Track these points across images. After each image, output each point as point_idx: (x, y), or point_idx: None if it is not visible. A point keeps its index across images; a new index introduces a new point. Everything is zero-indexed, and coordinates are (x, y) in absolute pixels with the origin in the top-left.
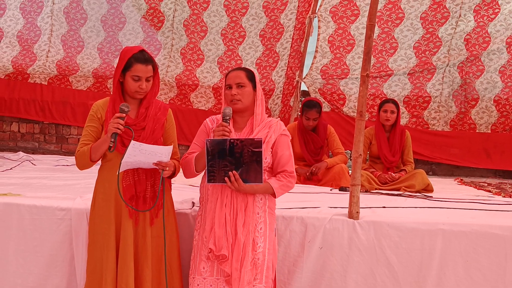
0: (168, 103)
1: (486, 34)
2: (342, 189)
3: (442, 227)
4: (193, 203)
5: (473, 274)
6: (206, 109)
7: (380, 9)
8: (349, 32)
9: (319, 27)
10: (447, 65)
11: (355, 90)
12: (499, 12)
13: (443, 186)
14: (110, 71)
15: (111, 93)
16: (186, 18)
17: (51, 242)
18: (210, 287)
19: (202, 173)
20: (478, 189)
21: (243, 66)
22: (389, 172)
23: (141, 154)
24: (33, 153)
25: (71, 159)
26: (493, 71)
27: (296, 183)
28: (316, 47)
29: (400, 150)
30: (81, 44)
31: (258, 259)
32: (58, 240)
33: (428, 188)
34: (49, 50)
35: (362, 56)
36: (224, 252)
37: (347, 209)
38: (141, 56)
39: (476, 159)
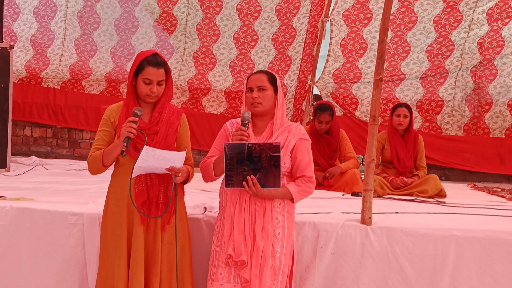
0: (180, 107)
1: (500, 38)
2: (355, 194)
3: (456, 233)
4: (205, 208)
5: (487, 281)
6: (218, 114)
7: (393, 13)
8: (362, 36)
9: (331, 31)
10: (459, 69)
11: (368, 94)
12: None
13: (456, 191)
14: (122, 75)
15: (124, 98)
16: (199, 22)
17: (63, 247)
18: None
19: (222, 177)
20: (492, 194)
21: (255, 70)
22: (401, 177)
23: (154, 160)
24: (45, 158)
25: (84, 164)
26: (506, 75)
27: None
28: (329, 51)
29: (413, 154)
30: (94, 48)
31: (276, 264)
32: (71, 245)
33: (441, 194)
34: (62, 54)
35: (374, 60)
36: (243, 258)
37: (360, 214)
38: (153, 59)
39: (489, 165)
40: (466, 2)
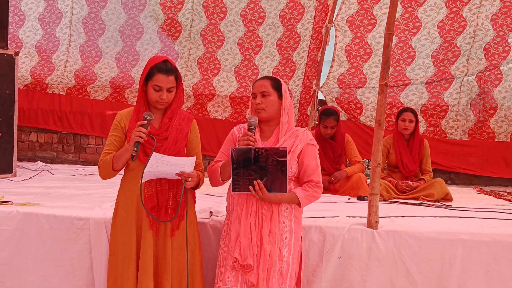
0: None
1: (506, 43)
2: (360, 198)
3: (463, 237)
4: (211, 212)
5: (494, 284)
6: (223, 119)
7: (397, 18)
8: (366, 41)
9: (336, 36)
10: (465, 75)
11: (372, 99)
12: None
13: (462, 195)
14: (127, 80)
15: (128, 103)
16: (203, 28)
17: (69, 251)
18: None
19: (229, 182)
20: (498, 198)
21: (260, 75)
22: (406, 181)
23: (163, 165)
24: (51, 163)
25: (89, 169)
26: None
27: None
28: (333, 56)
29: (419, 159)
30: (99, 54)
31: (283, 268)
32: (77, 249)
33: (447, 197)
34: (67, 60)
35: (379, 65)
36: (250, 262)
37: (366, 218)
38: (163, 66)
39: (495, 168)
40: (469, 8)
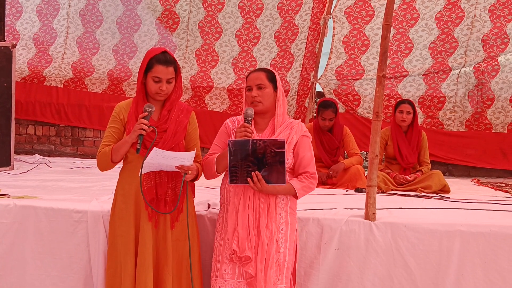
0: None
1: (505, 35)
2: (358, 190)
3: (460, 228)
4: (209, 205)
5: (492, 276)
6: (221, 111)
7: (394, 10)
8: (364, 33)
9: (333, 28)
10: (463, 66)
11: (370, 91)
12: None
13: (460, 186)
14: (125, 72)
15: (126, 96)
16: (201, 20)
17: (67, 244)
18: None
19: (223, 175)
20: (496, 189)
21: (258, 67)
22: (404, 176)
23: (163, 159)
24: (49, 156)
25: (87, 162)
26: (509, 71)
27: None
28: (331, 48)
29: (417, 150)
30: (97, 46)
31: (280, 259)
32: (75, 242)
33: (445, 189)
34: (64, 52)
35: (376, 57)
36: (248, 254)
37: (364, 210)
38: (162, 57)
39: (492, 160)
40: None
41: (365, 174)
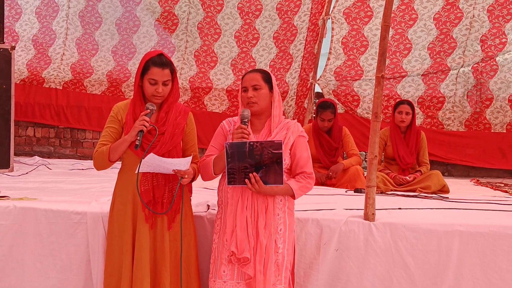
0: None
1: (503, 35)
2: (357, 190)
3: (459, 228)
4: (208, 206)
5: (491, 276)
6: (220, 112)
7: (393, 10)
8: (363, 33)
9: (332, 29)
10: (461, 66)
11: (369, 92)
12: None
13: (459, 187)
14: (124, 73)
15: (125, 97)
16: (200, 21)
17: (67, 245)
18: None
19: (220, 176)
20: (495, 189)
21: (256, 68)
22: (403, 177)
23: (160, 162)
24: (48, 158)
25: (86, 163)
26: (507, 71)
27: None
28: (330, 48)
29: (415, 151)
30: (96, 47)
31: (279, 260)
32: (74, 244)
33: (444, 189)
34: (63, 53)
35: (375, 58)
36: (246, 255)
37: (363, 210)
38: (158, 60)
39: (491, 159)
40: None
41: (364, 175)
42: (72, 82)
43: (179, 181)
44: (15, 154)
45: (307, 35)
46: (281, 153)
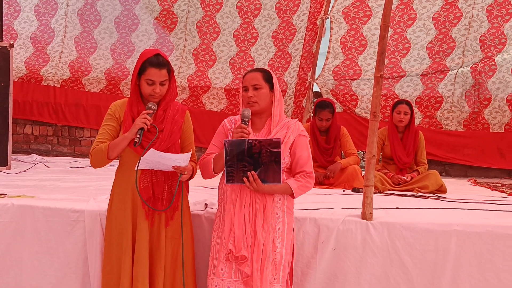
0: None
1: (502, 35)
2: (355, 190)
3: (456, 228)
4: (206, 204)
5: (488, 275)
6: (219, 111)
7: (392, 10)
8: (361, 33)
9: (331, 28)
10: (460, 67)
11: (367, 91)
12: None
13: (456, 187)
14: (122, 71)
15: (123, 96)
16: (199, 20)
17: (65, 243)
18: None
19: (220, 174)
20: (492, 189)
21: (255, 67)
22: (401, 177)
23: (160, 158)
24: (46, 155)
25: (84, 161)
26: (505, 71)
27: None
28: (328, 48)
29: (413, 151)
30: (94, 45)
31: (277, 259)
32: (72, 241)
33: (441, 189)
34: (62, 51)
35: (374, 57)
36: (244, 253)
37: (361, 210)
38: (155, 60)
39: (490, 159)
40: None
41: (362, 174)
42: (70, 80)
43: (179, 177)
44: (13, 152)
45: (305, 34)
46: (280, 151)
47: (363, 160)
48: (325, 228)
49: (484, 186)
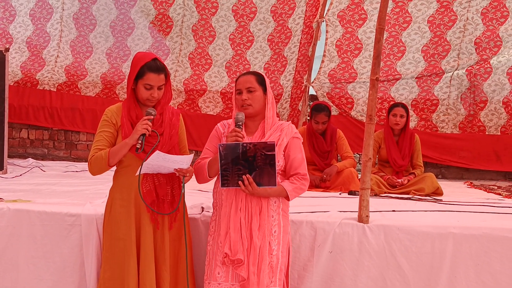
0: (176, 108)
1: (497, 38)
2: (352, 193)
3: (453, 231)
4: (202, 208)
5: (485, 278)
6: (215, 114)
7: (387, 13)
8: (357, 36)
9: (326, 31)
10: (456, 69)
11: (363, 94)
12: (508, 15)
13: (452, 189)
14: (118, 75)
15: (119, 99)
16: (195, 23)
17: (61, 248)
18: None
19: (215, 179)
20: (488, 192)
21: (251, 70)
22: (397, 180)
23: (163, 161)
24: (42, 160)
25: (80, 165)
26: (501, 73)
27: None
28: (324, 51)
29: (409, 154)
30: (90, 50)
31: (273, 262)
32: (68, 246)
33: (437, 192)
34: (57, 56)
35: (369, 60)
36: (240, 257)
37: (357, 213)
38: (154, 65)
39: (486, 162)
40: (459, 2)
41: (358, 177)
42: (66, 84)
43: (182, 180)
44: (9, 156)
45: (301, 37)
46: (274, 154)
47: (359, 163)
48: (321, 231)
49: (480, 189)
